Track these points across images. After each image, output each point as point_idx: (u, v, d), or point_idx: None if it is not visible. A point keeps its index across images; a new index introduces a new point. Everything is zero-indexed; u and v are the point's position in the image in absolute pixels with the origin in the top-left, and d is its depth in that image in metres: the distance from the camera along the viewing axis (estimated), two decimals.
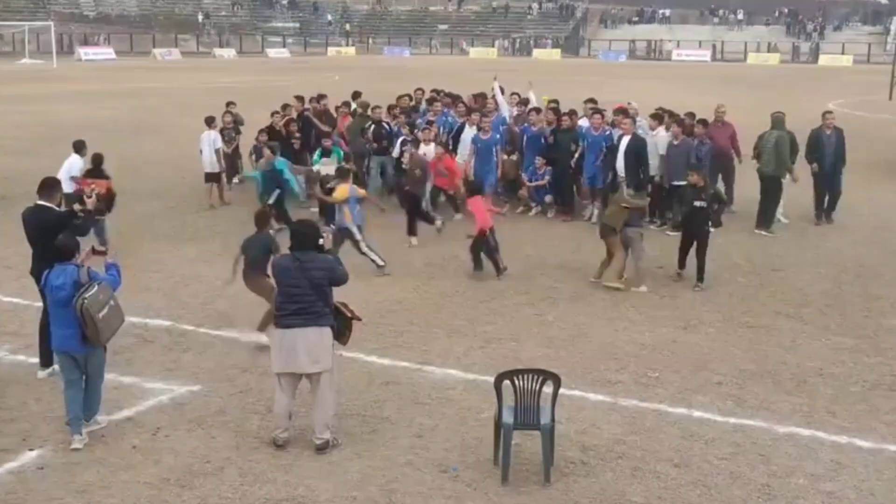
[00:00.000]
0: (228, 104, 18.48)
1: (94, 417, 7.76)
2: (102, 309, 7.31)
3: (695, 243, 11.91)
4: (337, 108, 18.29)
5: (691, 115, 15.98)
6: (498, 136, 15.71)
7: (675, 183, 14.22)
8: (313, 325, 7.28)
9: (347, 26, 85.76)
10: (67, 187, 12.66)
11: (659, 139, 15.11)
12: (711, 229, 11.99)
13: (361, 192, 12.70)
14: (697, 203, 11.84)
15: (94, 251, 7.89)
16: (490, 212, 12.56)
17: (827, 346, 9.92)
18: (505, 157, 15.91)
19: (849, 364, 9.43)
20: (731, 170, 15.85)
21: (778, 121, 15.00)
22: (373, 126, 16.79)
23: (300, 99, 18.47)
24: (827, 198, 15.53)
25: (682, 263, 12.17)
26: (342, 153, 15.38)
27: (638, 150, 14.25)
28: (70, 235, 7.82)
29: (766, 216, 14.90)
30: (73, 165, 13.45)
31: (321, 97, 18.55)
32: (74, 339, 7.38)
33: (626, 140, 14.33)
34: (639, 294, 11.62)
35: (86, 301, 7.20)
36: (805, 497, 6.83)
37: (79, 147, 13.70)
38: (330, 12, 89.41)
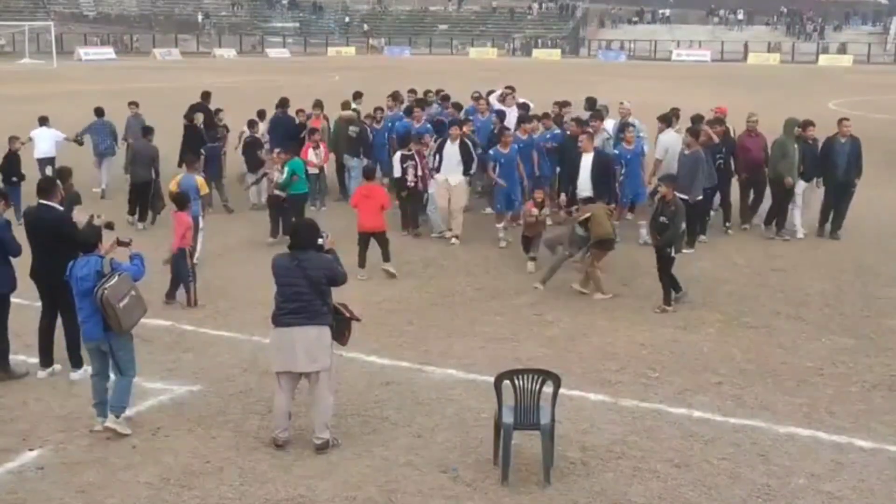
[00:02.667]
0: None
1: (123, 417, 7.72)
2: (123, 299, 7.51)
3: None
4: (299, 111, 17.72)
5: (720, 121, 15.15)
6: (518, 147, 14.31)
7: (681, 196, 13.01)
8: (312, 323, 7.27)
9: (365, 26, 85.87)
10: (53, 151, 16.97)
11: (661, 141, 14.93)
12: (673, 254, 10.93)
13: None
14: (661, 219, 10.95)
15: (118, 242, 8.07)
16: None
17: (827, 346, 9.92)
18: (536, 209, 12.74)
19: (849, 364, 9.43)
20: (763, 183, 14.89)
21: (784, 125, 14.60)
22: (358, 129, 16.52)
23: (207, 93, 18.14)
24: (833, 212, 14.68)
25: (664, 293, 11.08)
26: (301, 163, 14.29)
27: (605, 165, 13.07)
28: (92, 228, 8.03)
29: (779, 218, 14.63)
30: (49, 133, 17.01)
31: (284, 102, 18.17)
32: (98, 328, 7.60)
33: (589, 156, 12.99)
34: (639, 294, 11.62)
35: (106, 291, 7.41)
36: (805, 497, 6.83)
37: (43, 120, 17.32)
38: (331, 12, 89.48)
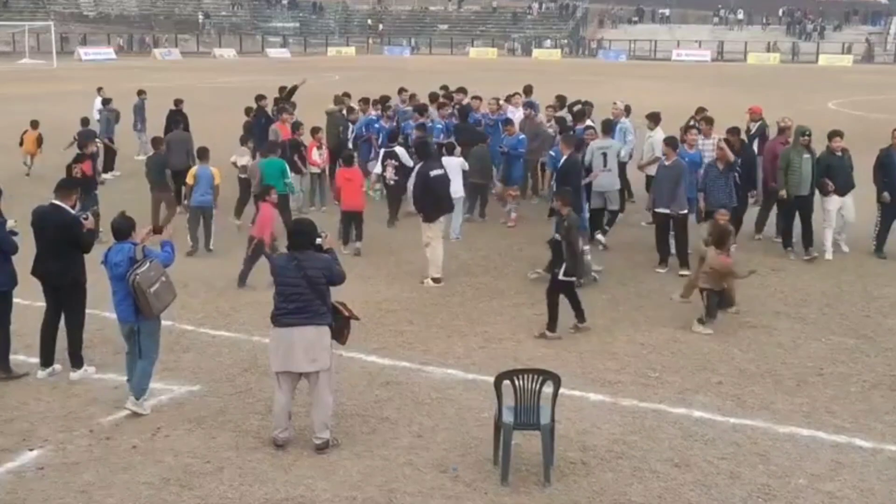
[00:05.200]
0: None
1: (142, 400, 8.13)
2: (153, 284, 7.93)
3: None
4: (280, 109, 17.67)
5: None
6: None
7: (658, 210, 12.59)
8: (311, 323, 7.28)
9: (380, 26, 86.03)
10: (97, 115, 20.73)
11: (655, 141, 14.67)
12: (561, 276, 9.86)
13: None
14: (556, 236, 10.14)
15: (154, 230, 8.58)
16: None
17: (827, 346, 9.92)
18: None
19: (849, 364, 9.43)
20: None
21: (794, 133, 13.54)
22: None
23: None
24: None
25: (551, 317, 10.02)
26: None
27: (566, 171, 12.46)
28: (125, 216, 8.43)
29: (804, 236, 13.46)
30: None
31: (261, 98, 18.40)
32: (130, 311, 8.04)
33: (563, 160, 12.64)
34: (639, 294, 11.63)
35: (137, 276, 7.84)
36: (805, 497, 6.83)
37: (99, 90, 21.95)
38: (331, 12, 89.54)
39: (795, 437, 7.76)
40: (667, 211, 12.45)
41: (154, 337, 8.24)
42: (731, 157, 12.87)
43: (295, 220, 7.69)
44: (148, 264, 7.95)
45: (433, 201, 11.94)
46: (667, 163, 12.59)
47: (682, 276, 12.16)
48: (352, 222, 13.62)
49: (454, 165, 13.76)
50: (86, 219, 8.90)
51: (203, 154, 13.80)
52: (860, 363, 9.45)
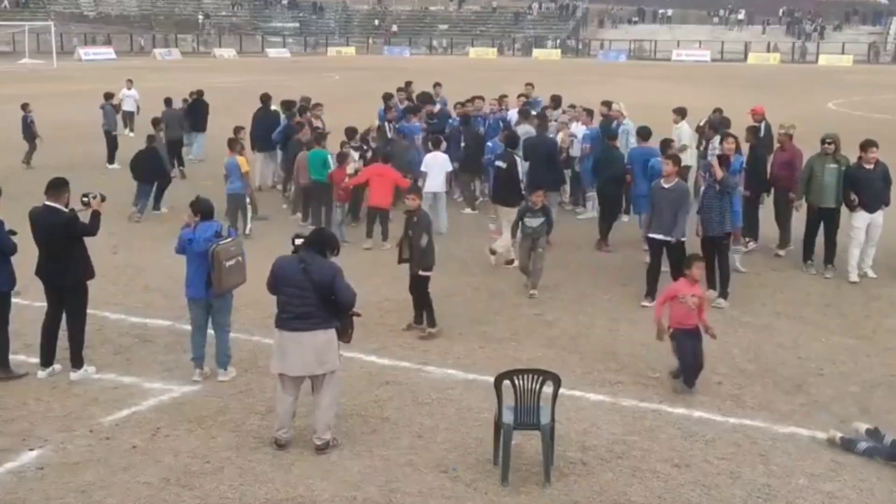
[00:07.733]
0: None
1: (227, 367, 8.82)
2: (230, 259, 8.43)
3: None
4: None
5: (754, 129, 13.65)
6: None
7: (652, 236, 11.26)
8: (320, 328, 7.27)
9: (394, 27, 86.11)
10: (130, 106, 24.12)
11: (682, 133, 14.56)
12: (420, 272, 10.05)
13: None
14: (409, 232, 10.17)
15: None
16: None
17: (827, 346, 9.92)
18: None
19: (849, 364, 9.43)
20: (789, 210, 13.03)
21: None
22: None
23: None
24: None
25: (427, 313, 10.19)
26: None
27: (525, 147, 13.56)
28: (207, 200, 8.88)
29: (826, 251, 12.58)
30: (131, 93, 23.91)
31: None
32: (202, 287, 8.54)
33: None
34: (639, 295, 11.61)
35: (219, 246, 8.36)
36: (805, 497, 6.83)
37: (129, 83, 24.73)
38: (331, 12, 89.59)
39: (795, 437, 7.76)
40: (663, 237, 11.05)
41: (226, 310, 8.77)
42: (718, 174, 11.12)
43: (318, 229, 7.81)
44: (230, 239, 8.54)
45: None
46: (666, 185, 11.03)
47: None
48: (377, 219, 13.79)
49: (439, 161, 14.21)
50: (86, 203, 8.74)
51: (231, 145, 14.31)
52: (860, 363, 9.44)
